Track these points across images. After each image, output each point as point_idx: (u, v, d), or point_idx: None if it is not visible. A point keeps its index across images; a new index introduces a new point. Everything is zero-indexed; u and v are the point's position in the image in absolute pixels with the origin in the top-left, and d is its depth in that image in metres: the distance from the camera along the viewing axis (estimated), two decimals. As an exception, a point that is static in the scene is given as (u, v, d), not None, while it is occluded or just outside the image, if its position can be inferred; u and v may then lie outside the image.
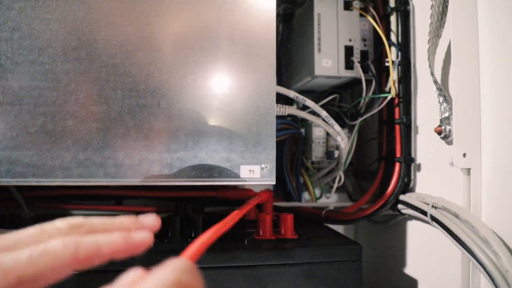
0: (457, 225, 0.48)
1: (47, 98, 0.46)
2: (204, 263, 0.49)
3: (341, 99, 0.80)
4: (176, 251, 0.50)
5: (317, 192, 0.82)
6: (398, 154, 0.63)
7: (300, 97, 0.60)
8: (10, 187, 0.69)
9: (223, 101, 0.48)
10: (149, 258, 0.49)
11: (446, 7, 0.53)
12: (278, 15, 0.84)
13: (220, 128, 0.47)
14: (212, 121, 0.47)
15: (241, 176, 0.47)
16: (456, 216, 0.49)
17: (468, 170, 0.51)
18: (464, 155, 0.50)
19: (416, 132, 0.64)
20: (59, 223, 0.29)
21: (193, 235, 0.55)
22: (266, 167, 0.47)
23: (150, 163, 0.46)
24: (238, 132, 0.47)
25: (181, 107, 0.47)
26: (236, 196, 0.62)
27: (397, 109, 0.64)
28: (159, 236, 0.55)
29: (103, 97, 0.46)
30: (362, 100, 0.69)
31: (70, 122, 0.46)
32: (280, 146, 0.78)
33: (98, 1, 0.47)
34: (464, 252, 0.46)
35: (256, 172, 0.47)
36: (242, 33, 0.48)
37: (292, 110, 0.61)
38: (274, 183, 0.48)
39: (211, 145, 0.47)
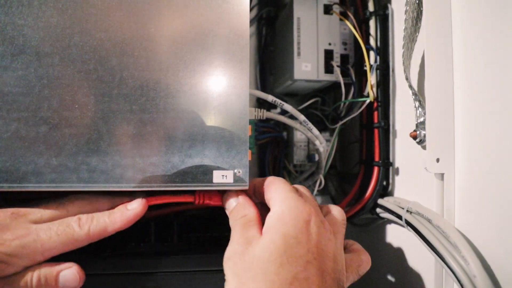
0: (430, 230, 0.48)
1: (20, 104, 0.46)
2: (181, 266, 0.49)
3: (323, 102, 0.80)
4: (152, 254, 0.50)
5: (300, 195, 0.82)
6: (376, 158, 0.64)
7: (278, 101, 0.60)
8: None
9: (197, 106, 0.48)
10: (125, 260, 0.49)
11: (421, 12, 0.53)
12: (261, 18, 0.85)
13: (193, 133, 0.47)
14: (185, 127, 0.47)
15: (214, 181, 0.47)
16: (429, 221, 0.50)
17: (442, 175, 0.51)
18: (438, 160, 0.51)
19: (395, 136, 0.64)
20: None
21: (169, 239, 0.55)
22: (239, 172, 0.47)
23: (123, 168, 0.46)
24: (211, 137, 0.47)
25: (153, 112, 0.47)
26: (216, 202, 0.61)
27: (375, 113, 0.64)
28: (135, 239, 0.55)
29: (76, 103, 0.46)
30: (342, 104, 0.69)
31: (43, 128, 0.46)
32: (262, 149, 0.78)
33: (71, 7, 0.47)
34: (435, 257, 0.47)
35: (229, 177, 0.47)
36: (215, 39, 0.48)
37: (270, 114, 0.61)
38: (247, 188, 0.48)
39: (184, 150, 0.47)
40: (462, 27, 0.50)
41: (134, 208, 0.46)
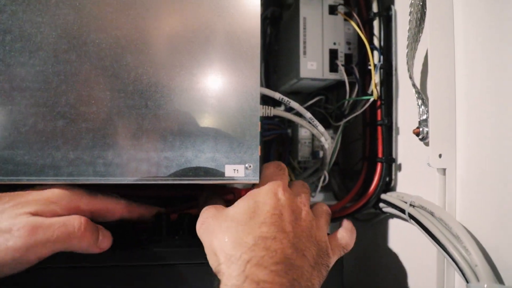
0: (432, 223, 0.50)
1: (38, 99, 0.47)
2: (190, 258, 0.51)
3: (327, 101, 0.82)
4: (163, 247, 0.52)
5: (303, 191, 0.83)
6: (380, 155, 0.66)
7: (285, 99, 0.62)
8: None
9: (209, 103, 0.49)
10: (138, 252, 0.51)
11: (424, 13, 0.55)
12: (266, 18, 0.86)
13: (206, 129, 0.49)
14: (198, 122, 0.49)
15: (226, 175, 0.49)
16: (432, 214, 0.52)
17: (444, 170, 0.53)
18: (440, 155, 0.53)
19: (397, 133, 0.66)
20: None
21: (180, 232, 0.56)
22: (250, 166, 0.49)
23: (138, 162, 0.48)
24: (223, 133, 0.49)
25: (168, 108, 0.48)
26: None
27: (379, 111, 0.66)
28: (149, 232, 0.56)
29: (92, 98, 0.48)
30: (346, 102, 0.71)
31: (61, 122, 0.47)
32: (267, 146, 0.80)
33: (88, 5, 0.48)
34: (438, 248, 0.49)
35: (241, 171, 0.49)
36: (228, 37, 0.50)
37: (277, 111, 0.63)
38: (257, 181, 0.49)
39: (197, 145, 0.49)
40: (464, 28, 0.52)
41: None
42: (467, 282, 0.44)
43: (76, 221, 0.44)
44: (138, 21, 0.49)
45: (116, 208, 0.50)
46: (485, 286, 0.42)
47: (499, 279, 0.44)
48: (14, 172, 0.46)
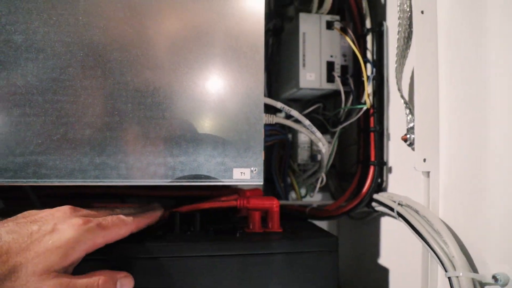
0: (417, 220, 0.57)
1: (68, 111, 0.53)
2: (202, 252, 0.57)
3: (325, 108, 0.88)
4: (177, 241, 0.58)
5: (303, 191, 0.90)
6: (372, 158, 0.72)
7: (286, 107, 0.68)
8: (26, 187, 0.76)
9: (218, 113, 0.56)
10: (155, 246, 0.57)
11: (411, 32, 0.62)
12: (268, 29, 0.93)
13: (216, 136, 0.55)
14: (209, 130, 0.55)
15: (234, 177, 0.55)
16: (417, 212, 0.58)
17: (428, 173, 0.59)
18: (424, 160, 0.59)
19: (388, 139, 0.72)
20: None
21: (192, 228, 0.63)
22: (255, 169, 0.55)
23: (156, 166, 0.54)
24: (231, 140, 0.55)
25: (182, 118, 0.55)
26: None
27: (371, 119, 0.72)
28: (164, 228, 0.63)
29: (116, 110, 0.54)
30: (342, 110, 0.77)
31: (88, 131, 0.53)
32: (269, 150, 0.86)
33: (111, 27, 0.55)
34: (422, 242, 0.55)
35: (247, 174, 0.55)
36: (235, 54, 0.56)
37: (279, 119, 0.69)
38: (262, 183, 0.56)
39: (208, 151, 0.55)
40: (447, 47, 0.58)
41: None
42: (446, 271, 0.50)
43: (96, 282, 0.47)
44: (157, 41, 0.55)
45: (126, 231, 0.53)
46: (460, 274, 0.48)
47: (473, 268, 0.50)
48: (47, 175, 0.53)
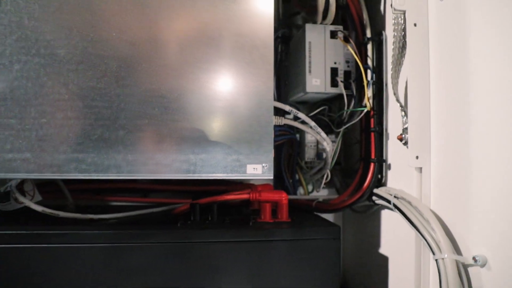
0: (410, 210, 0.64)
1: (104, 114, 0.62)
2: (220, 238, 0.65)
3: (330, 109, 0.95)
4: (195, 229, 0.66)
5: (310, 187, 0.97)
6: (372, 156, 0.79)
7: (294, 110, 0.76)
8: (58, 181, 0.85)
9: (234, 116, 0.63)
10: (176, 233, 0.65)
11: (405, 42, 0.69)
12: (277, 37, 1.00)
13: (232, 136, 0.63)
14: (226, 131, 0.63)
15: (247, 172, 0.63)
16: (410, 203, 0.65)
17: (420, 168, 0.66)
18: (417, 157, 0.66)
19: (387, 138, 0.79)
20: None
21: (209, 218, 0.71)
22: (266, 165, 0.63)
23: (180, 162, 0.62)
24: (245, 139, 0.63)
25: (203, 121, 0.63)
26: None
27: (372, 120, 0.79)
28: (186, 218, 0.71)
29: (145, 114, 0.62)
30: (345, 112, 0.85)
31: (121, 132, 0.62)
32: (279, 149, 0.94)
33: (141, 42, 0.63)
34: (414, 230, 0.62)
35: (259, 169, 0.63)
36: (248, 66, 0.64)
37: (287, 120, 0.77)
38: (272, 177, 0.63)
39: (225, 149, 0.63)
40: (437, 56, 0.65)
41: None
42: (433, 254, 0.57)
43: None
44: (180, 54, 0.63)
45: None
46: (445, 256, 0.55)
47: (458, 251, 0.57)
48: (87, 170, 0.61)
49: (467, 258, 0.55)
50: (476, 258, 0.53)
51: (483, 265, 0.53)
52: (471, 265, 0.55)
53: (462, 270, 0.56)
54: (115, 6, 0.63)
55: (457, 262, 0.55)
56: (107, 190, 0.92)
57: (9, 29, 0.61)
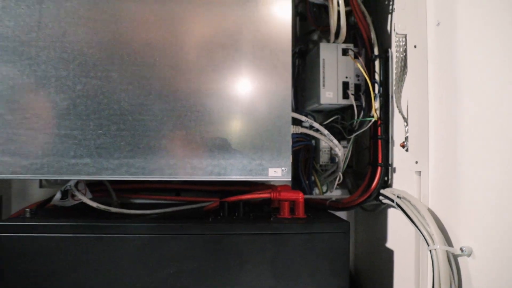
0: (409, 208, 0.74)
1: (149, 127, 0.74)
2: (245, 231, 0.77)
3: (343, 118, 1.06)
4: (223, 224, 0.77)
5: (324, 188, 1.08)
6: (379, 161, 0.89)
7: (309, 120, 0.86)
8: (105, 182, 0.99)
9: (257, 127, 0.75)
10: (208, 226, 0.77)
11: (406, 61, 0.78)
12: (295, 53, 1.11)
13: (256, 144, 0.74)
14: (250, 140, 0.74)
15: (269, 175, 0.74)
16: (409, 202, 0.75)
17: (419, 172, 0.76)
18: (416, 162, 0.76)
19: (393, 145, 0.89)
20: None
21: (236, 214, 0.82)
22: (285, 169, 0.74)
23: (213, 166, 0.74)
24: (267, 147, 0.75)
25: (232, 132, 0.74)
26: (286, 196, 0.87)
27: (379, 128, 0.89)
28: (215, 214, 0.83)
29: (183, 126, 0.74)
30: (355, 121, 0.95)
31: (164, 141, 0.74)
32: (296, 153, 1.05)
33: (180, 67, 0.75)
34: (412, 225, 0.72)
35: (278, 172, 0.74)
36: (271, 89, 0.75)
37: (303, 129, 0.88)
38: (290, 179, 0.74)
39: (250, 155, 0.74)
40: (435, 74, 0.75)
41: None
42: (428, 245, 0.67)
43: None
44: (214, 74, 0.75)
45: None
46: (438, 247, 0.65)
47: (449, 243, 0.67)
48: (135, 172, 0.74)
49: (456, 249, 0.65)
50: (463, 249, 0.63)
51: (469, 255, 0.63)
52: (459, 255, 0.65)
53: (452, 260, 0.66)
54: (159, 39, 0.75)
55: (447, 253, 0.65)
56: (143, 190, 1.05)
57: (72, 56, 0.74)
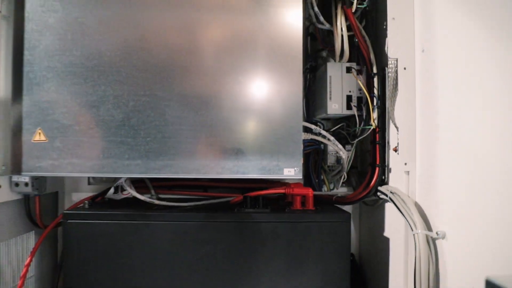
0: (398, 201, 0.90)
1: (188, 135, 0.92)
2: (265, 219, 0.94)
3: (348, 125, 1.22)
4: (247, 214, 0.95)
5: (331, 185, 1.25)
6: (377, 162, 1.05)
7: (318, 129, 1.03)
8: (145, 179, 1.18)
9: (274, 134, 0.92)
10: (235, 216, 0.94)
11: (397, 80, 0.95)
12: (306, 69, 1.28)
13: (273, 149, 0.92)
14: (269, 146, 0.92)
15: (284, 174, 0.92)
16: (399, 196, 0.91)
17: (408, 172, 0.92)
18: (406, 164, 0.92)
19: (389, 149, 1.05)
20: None
21: (257, 206, 1.00)
22: (297, 169, 0.91)
23: (239, 167, 0.92)
24: (282, 151, 0.92)
25: (253, 139, 0.92)
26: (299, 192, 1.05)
27: (377, 135, 1.05)
28: (239, 207, 1.00)
29: (214, 134, 0.92)
30: (357, 129, 1.11)
31: (199, 146, 0.92)
32: (307, 156, 1.22)
33: (218, 75, 0.93)
34: (401, 214, 0.88)
35: (292, 172, 0.92)
36: (282, 95, 0.93)
37: (313, 136, 1.05)
38: (301, 177, 0.92)
39: (268, 158, 0.92)
40: (421, 91, 0.91)
41: None
42: (412, 230, 0.83)
43: None
44: (240, 91, 0.93)
45: None
46: (419, 231, 0.81)
47: (429, 228, 0.83)
48: (177, 171, 0.92)
49: (434, 233, 0.81)
50: (438, 233, 0.79)
51: (443, 238, 0.79)
52: (436, 238, 0.81)
53: (431, 242, 0.82)
54: (194, 65, 0.93)
55: (427, 236, 0.81)
56: (175, 186, 1.24)
57: (126, 79, 0.93)
